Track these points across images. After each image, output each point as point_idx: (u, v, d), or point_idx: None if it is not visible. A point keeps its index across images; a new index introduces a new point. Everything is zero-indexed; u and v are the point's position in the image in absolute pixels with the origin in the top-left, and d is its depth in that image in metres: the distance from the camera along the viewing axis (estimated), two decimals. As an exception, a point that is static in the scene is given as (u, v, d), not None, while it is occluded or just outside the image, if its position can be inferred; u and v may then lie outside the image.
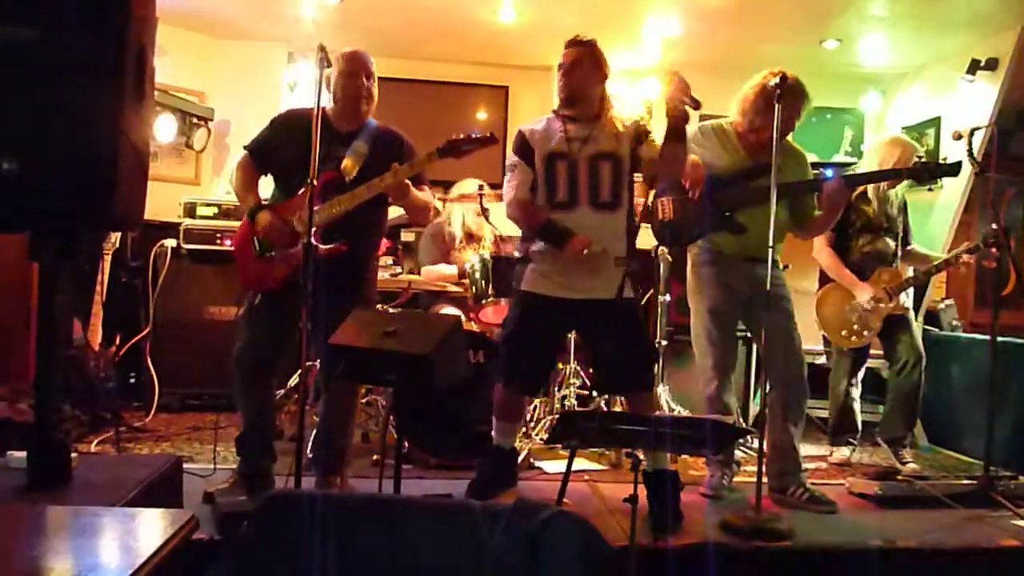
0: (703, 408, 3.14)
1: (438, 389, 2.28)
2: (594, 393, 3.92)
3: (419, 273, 4.16)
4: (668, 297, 4.18)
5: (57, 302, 2.14)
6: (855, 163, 4.97)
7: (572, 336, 3.81)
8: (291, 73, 5.22)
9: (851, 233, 3.74)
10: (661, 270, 4.12)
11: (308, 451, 3.10)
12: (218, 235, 4.44)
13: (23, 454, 2.11)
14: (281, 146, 2.86)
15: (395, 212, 4.68)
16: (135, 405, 4.24)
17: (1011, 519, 2.89)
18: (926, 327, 4.57)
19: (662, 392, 4.03)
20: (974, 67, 4.43)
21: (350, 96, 2.84)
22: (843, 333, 3.74)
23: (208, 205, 4.54)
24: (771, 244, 2.72)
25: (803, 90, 2.96)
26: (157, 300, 4.37)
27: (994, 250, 3.45)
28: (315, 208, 2.62)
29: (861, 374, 3.89)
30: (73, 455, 2.19)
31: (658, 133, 2.81)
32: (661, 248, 3.94)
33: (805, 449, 3.56)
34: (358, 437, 3.72)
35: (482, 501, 1.63)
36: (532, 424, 3.74)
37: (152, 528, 1.29)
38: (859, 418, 3.90)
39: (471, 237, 4.23)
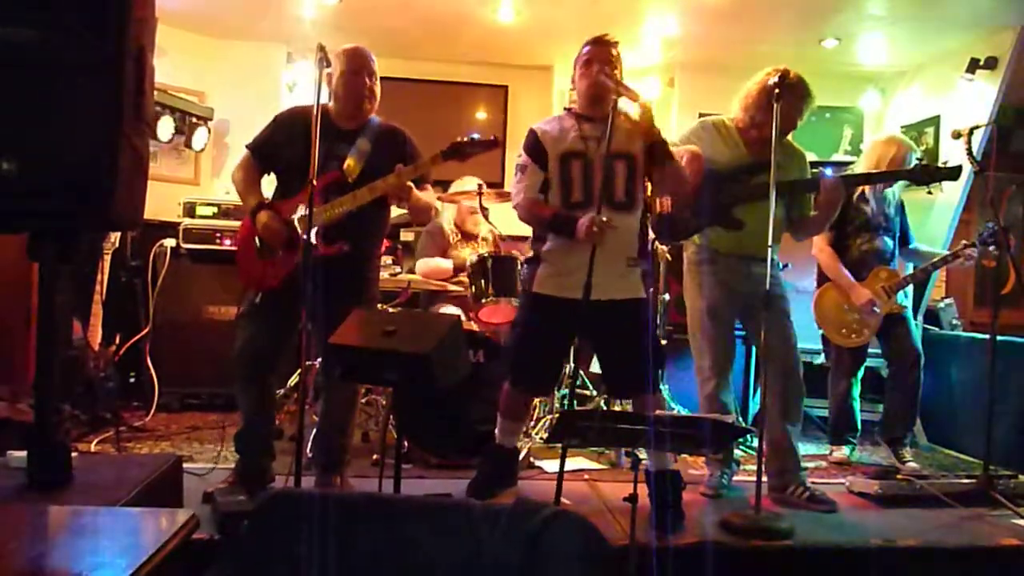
0: (701, 407, 3.14)
1: (438, 389, 2.28)
2: (594, 393, 3.92)
3: (416, 267, 4.16)
4: (667, 296, 4.18)
5: (57, 302, 2.14)
6: (854, 162, 4.96)
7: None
8: (290, 73, 5.23)
9: (849, 232, 3.75)
10: (660, 269, 4.12)
11: (308, 450, 3.10)
12: (217, 235, 4.44)
13: (23, 454, 2.11)
14: (283, 145, 2.85)
15: (395, 211, 4.67)
16: (135, 405, 4.24)
17: (1011, 518, 2.90)
18: (926, 326, 4.57)
19: (662, 391, 4.03)
20: (973, 66, 4.43)
21: (352, 94, 2.83)
22: (842, 332, 3.75)
23: (207, 205, 4.54)
24: (770, 243, 2.71)
25: (806, 88, 2.96)
26: (157, 300, 4.37)
27: (993, 248, 3.46)
28: (316, 208, 2.62)
29: (860, 373, 3.90)
30: (73, 455, 2.19)
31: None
32: (660, 248, 3.94)
33: (805, 448, 3.57)
34: (358, 437, 3.72)
35: (482, 500, 1.63)
36: (532, 423, 3.74)
37: (152, 528, 1.29)
38: (859, 417, 3.90)
39: (467, 235, 4.23)
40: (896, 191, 3.84)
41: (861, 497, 3.16)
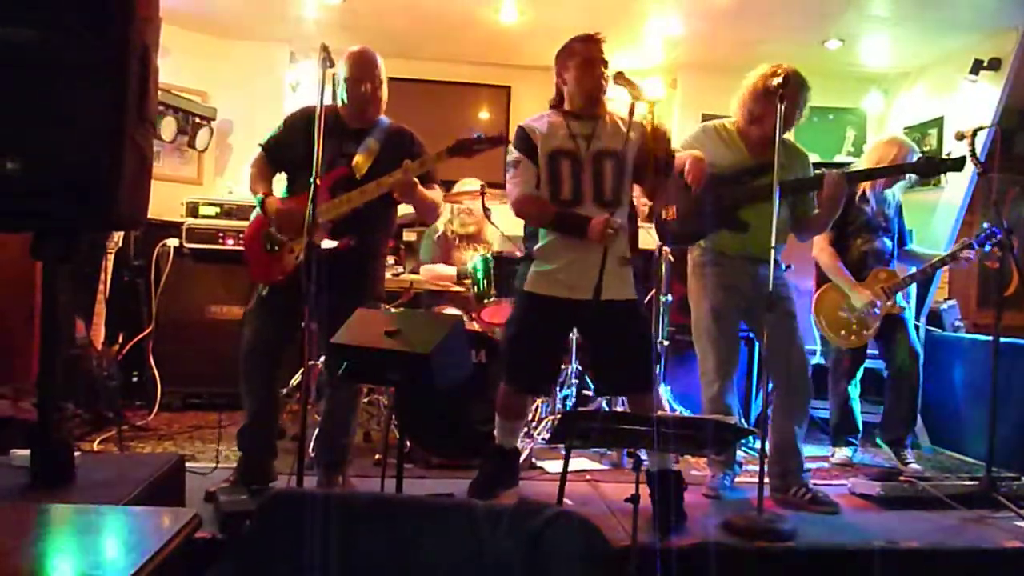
0: (704, 409, 3.13)
1: (440, 389, 2.28)
2: (592, 393, 3.92)
3: (420, 272, 4.17)
4: (670, 297, 4.18)
5: (60, 301, 2.14)
6: (857, 163, 4.96)
7: (575, 336, 3.81)
8: (293, 73, 5.24)
9: (849, 232, 3.74)
10: (663, 270, 4.12)
11: (310, 450, 3.10)
12: (220, 234, 4.44)
13: (26, 452, 2.11)
14: (294, 144, 2.87)
15: (399, 211, 4.65)
16: (137, 404, 4.25)
17: (1013, 520, 2.89)
18: (928, 327, 4.56)
19: (664, 392, 4.03)
20: (977, 67, 4.42)
21: (354, 100, 2.86)
22: (842, 333, 3.74)
23: (210, 205, 4.54)
24: (772, 245, 2.71)
25: (802, 80, 2.94)
26: (159, 299, 4.38)
27: (996, 250, 3.45)
28: (324, 204, 2.65)
29: (860, 374, 3.89)
30: (76, 454, 2.20)
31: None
32: (664, 248, 3.93)
33: (808, 450, 3.56)
34: (360, 437, 3.72)
35: (484, 501, 1.63)
36: (534, 424, 3.74)
37: (155, 527, 1.29)
38: (859, 418, 3.90)
39: (469, 237, 4.23)
40: (896, 192, 3.83)
41: (863, 499, 3.15)
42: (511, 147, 2.86)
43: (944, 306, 5.01)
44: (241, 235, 3.56)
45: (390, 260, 4.22)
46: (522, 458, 3.21)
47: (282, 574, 1.29)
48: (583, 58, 2.76)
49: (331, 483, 2.87)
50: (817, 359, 4.09)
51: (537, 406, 3.81)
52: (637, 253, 2.85)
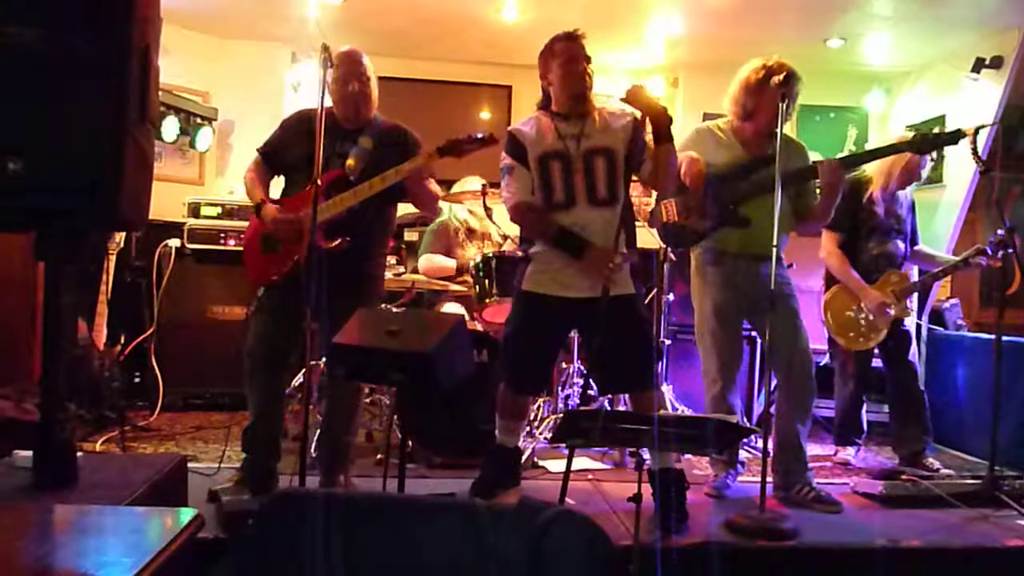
0: (707, 408, 3.13)
1: (442, 388, 2.28)
2: (595, 392, 3.92)
3: (419, 263, 4.17)
4: (672, 296, 4.18)
5: (62, 302, 2.14)
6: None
7: (575, 335, 3.81)
8: (294, 73, 5.24)
9: (860, 235, 3.70)
10: (664, 269, 4.11)
11: (312, 450, 3.10)
12: (222, 235, 4.45)
13: (29, 453, 2.11)
14: (290, 147, 2.90)
15: (400, 211, 4.64)
16: (140, 404, 4.26)
17: (1016, 519, 2.89)
18: (930, 327, 4.56)
19: (666, 391, 4.03)
20: (979, 65, 4.42)
21: (342, 101, 2.86)
22: (851, 335, 3.70)
23: (212, 205, 4.55)
24: (775, 243, 2.71)
25: (793, 73, 2.95)
26: (161, 300, 4.38)
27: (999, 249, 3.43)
28: (320, 205, 2.64)
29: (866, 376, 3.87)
30: (78, 454, 2.20)
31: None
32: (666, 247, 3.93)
33: (811, 449, 3.55)
34: (362, 436, 3.72)
35: (486, 500, 1.63)
36: (536, 423, 3.74)
37: (157, 527, 1.29)
38: (864, 418, 3.88)
39: (472, 233, 4.23)
40: (908, 191, 3.79)
41: (866, 498, 3.15)
42: (504, 154, 2.85)
43: (946, 305, 5.00)
44: (243, 235, 3.57)
45: (391, 260, 4.22)
46: (524, 458, 3.21)
47: (284, 574, 1.29)
48: (566, 57, 2.75)
49: (333, 483, 2.88)
50: (826, 360, 4.08)
51: (539, 406, 3.81)
52: (633, 249, 2.84)
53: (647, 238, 3.62)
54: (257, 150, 3.01)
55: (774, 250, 2.71)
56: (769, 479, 2.97)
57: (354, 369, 2.46)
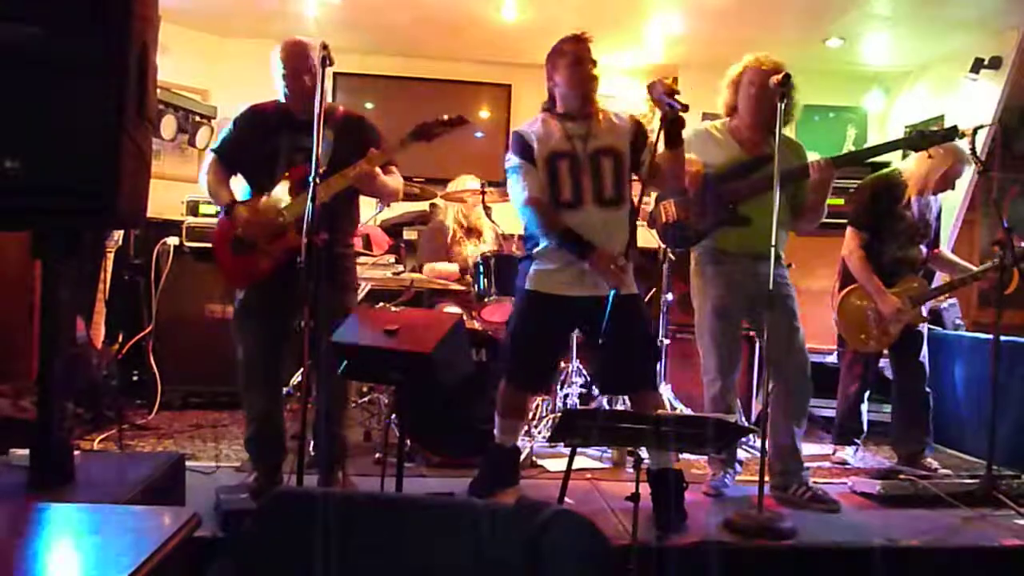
0: (706, 407, 3.13)
1: (440, 387, 2.28)
2: (595, 391, 3.92)
3: (421, 271, 4.17)
4: (671, 296, 4.18)
5: (60, 300, 2.14)
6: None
7: (575, 334, 3.81)
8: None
9: (885, 237, 3.63)
10: (664, 269, 4.11)
11: (310, 449, 3.10)
12: (221, 233, 4.43)
13: (26, 452, 2.11)
14: (246, 145, 2.86)
15: (399, 210, 4.65)
16: (137, 403, 4.25)
17: (1014, 518, 2.89)
18: (929, 326, 4.55)
19: (665, 391, 4.03)
20: (978, 66, 4.42)
21: (297, 94, 2.80)
22: (861, 337, 3.67)
23: (210, 203, 4.51)
24: (772, 244, 2.70)
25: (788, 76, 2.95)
26: (159, 298, 4.38)
27: (997, 248, 3.43)
28: (292, 201, 2.68)
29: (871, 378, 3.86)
30: (75, 453, 2.20)
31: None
32: (665, 247, 3.93)
33: (809, 448, 3.56)
34: (361, 436, 3.72)
35: (484, 500, 1.63)
36: (534, 422, 3.74)
37: (154, 526, 1.29)
38: (865, 419, 3.88)
39: (469, 231, 4.22)
40: (938, 197, 3.73)
41: (864, 497, 3.15)
42: (510, 154, 2.84)
43: (944, 305, 5.00)
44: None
45: (391, 259, 4.22)
46: (523, 457, 3.21)
47: (282, 573, 1.29)
48: (572, 58, 2.75)
49: (331, 481, 2.87)
50: (832, 358, 4.06)
51: (537, 405, 3.81)
52: (636, 249, 2.84)
53: (647, 238, 3.62)
54: (212, 150, 2.96)
55: (772, 249, 2.71)
56: (766, 479, 2.98)
57: (354, 368, 2.46)
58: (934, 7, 4.20)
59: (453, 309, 3.86)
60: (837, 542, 2.64)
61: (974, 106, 4.49)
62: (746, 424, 3.66)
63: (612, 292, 2.55)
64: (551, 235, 2.77)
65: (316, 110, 2.57)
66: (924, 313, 3.69)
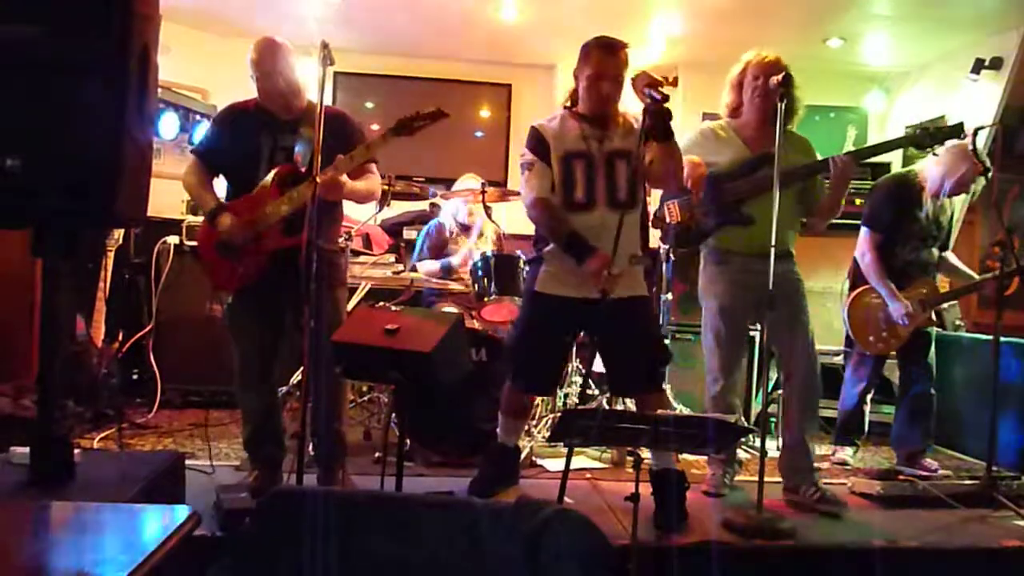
0: (708, 407, 3.13)
1: (440, 387, 2.28)
2: (595, 391, 3.92)
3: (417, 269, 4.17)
4: (670, 296, 4.17)
5: (60, 299, 2.14)
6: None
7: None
8: (294, 71, 5.22)
9: (898, 239, 3.61)
10: (663, 269, 4.11)
11: (310, 448, 3.10)
12: (221, 232, 4.43)
13: (26, 450, 2.11)
14: (227, 145, 2.85)
15: (399, 210, 4.64)
16: (137, 401, 4.25)
17: (1013, 519, 2.89)
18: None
19: (665, 390, 4.02)
20: (978, 66, 4.41)
21: (273, 94, 2.80)
22: (871, 339, 3.66)
23: (211, 202, 4.53)
24: (772, 242, 2.70)
25: (789, 75, 2.94)
26: (160, 297, 4.37)
27: (997, 250, 3.43)
28: (275, 201, 2.66)
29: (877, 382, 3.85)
30: (75, 451, 2.20)
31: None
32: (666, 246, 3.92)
33: (809, 449, 3.54)
34: (360, 435, 3.72)
35: (484, 499, 1.63)
36: (534, 422, 3.73)
37: (154, 524, 1.29)
38: (867, 420, 3.88)
39: (465, 228, 4.22)
40: (955, 200, 3.71)
41: (863, 498, 3.15)
42: (524, 149, 2.83)
43: (945, 305, 5.00)
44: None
45: (391, 258, 4.22)
46: (522, 456, 3.21)
47: (281, 572, 1.29)
48: (596, 71, 2.70)
49: (332, 477, 2.87)
50: (839, 359, 4.05)
51: (537, 404, 3.80)
52: (648, 251, 2.84)
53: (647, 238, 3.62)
54: (192, 151, 2.96)
55: (772, 249, 2.70)
56: (777, 479, 2.97)
57: (353, 367, 2.46)
58: (934, 7, 4.19)
59: (453, 309, 3.85)
60: (836, 542, 2.64)
61: (975, 106, 4.49)
62: (746, 424, 3.65)
63: (604, 297, 2.53)
64: (554, 237, 2.77)
65: (316, 110, 2.57)
66: (932, 316, 3.68)
